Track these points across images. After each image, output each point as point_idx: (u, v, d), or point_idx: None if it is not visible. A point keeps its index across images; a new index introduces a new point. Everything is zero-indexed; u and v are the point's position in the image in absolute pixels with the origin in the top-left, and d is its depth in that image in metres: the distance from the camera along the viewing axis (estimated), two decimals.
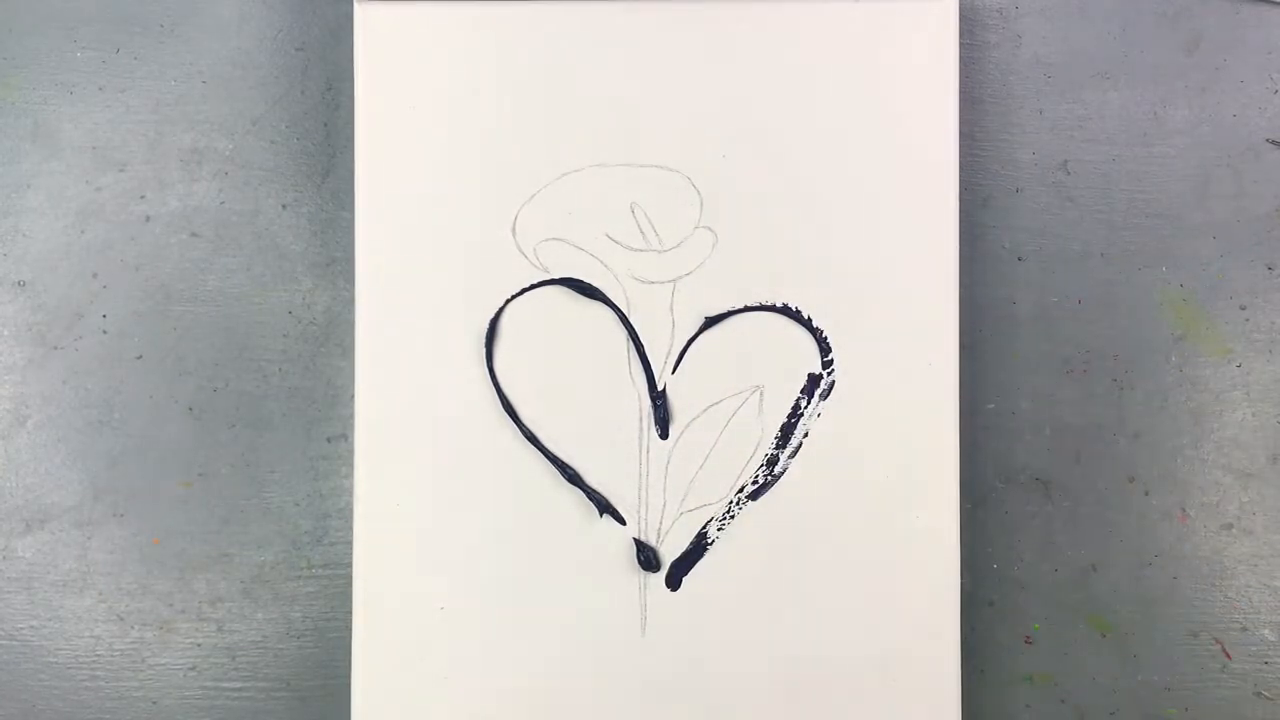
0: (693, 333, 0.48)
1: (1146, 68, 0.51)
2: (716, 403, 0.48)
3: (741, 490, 0.48)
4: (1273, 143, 0.51)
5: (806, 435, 0.48)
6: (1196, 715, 0.50)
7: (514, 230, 0.48)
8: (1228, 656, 0.50)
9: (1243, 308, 0.51)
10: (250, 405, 0.51)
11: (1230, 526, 0.50)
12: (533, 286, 0.48)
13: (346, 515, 0.49)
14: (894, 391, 0.48)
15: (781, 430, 0.48)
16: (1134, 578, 0.50)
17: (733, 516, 0.48)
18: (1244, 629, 0.50)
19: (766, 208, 0.48)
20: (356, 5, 0.48)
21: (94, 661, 0.50)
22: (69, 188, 0.51)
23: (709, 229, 0.48)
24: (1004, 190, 0.51)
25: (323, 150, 0.51)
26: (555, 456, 0.48)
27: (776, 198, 0.48)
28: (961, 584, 0.48)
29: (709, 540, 0.48)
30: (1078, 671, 0.50)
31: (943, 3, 0.48)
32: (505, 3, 0.48)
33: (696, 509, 0.48)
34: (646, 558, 0.48)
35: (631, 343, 0.48)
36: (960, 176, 0.48)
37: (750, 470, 0.48)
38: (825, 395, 0.48)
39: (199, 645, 0.50)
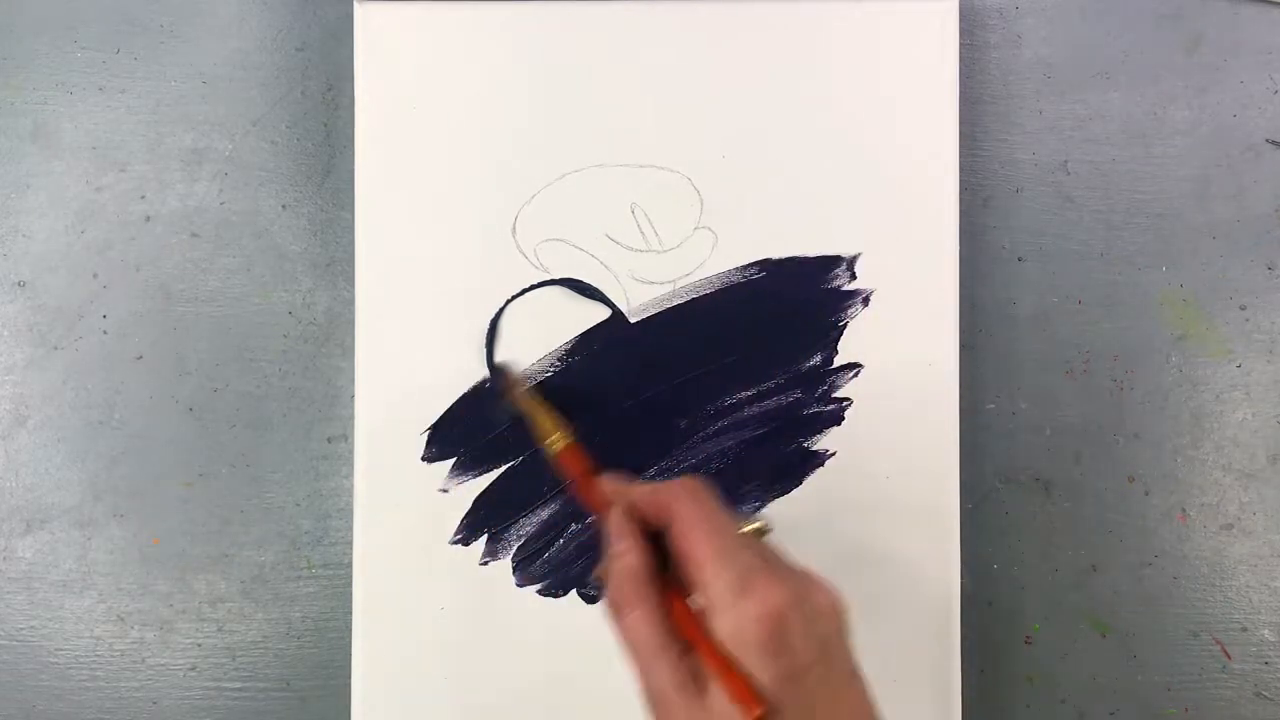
0: None
1: (1146, 68, 0.51)
2: None
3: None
4: (1273, 143, 0.51)
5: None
6: (1196, 715, 0.50)
7: (514, 230, 0.48)
8: (1228, 656, 0.50)
9: (1243, 308, 0.51)
10: (250, 405, 0.50)
11: (1230, 526, 0.50)
12: (533, 287, 0.48)
13: (346, 515, 0.49)
14: (894, 391, 0.48)
15: None
16: (1134, 578, 0.50)
17: None
18: (1244, 629, 0.50)
19: (766, 208, 0.48)
20: (356, 5, 0.48)
21: (94, 661, 0.50)
22: (69, 188, 0.51)
23: (709, 229, 0.48)
24: (1004, 190, 0.51)
25: (323, 150, 0.51)
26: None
27: (776, 198, 0.48)
28: (961, 584, 0.48)
29: None
30: (1078, 671, 0.50)
31: (943, 3, 0.48)
32: (505, 3, 0.48)
33: None
34: None
35: None
36: (960, 176, 0.48)
37: None
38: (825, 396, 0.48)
39: (199, 645, 0.50)
